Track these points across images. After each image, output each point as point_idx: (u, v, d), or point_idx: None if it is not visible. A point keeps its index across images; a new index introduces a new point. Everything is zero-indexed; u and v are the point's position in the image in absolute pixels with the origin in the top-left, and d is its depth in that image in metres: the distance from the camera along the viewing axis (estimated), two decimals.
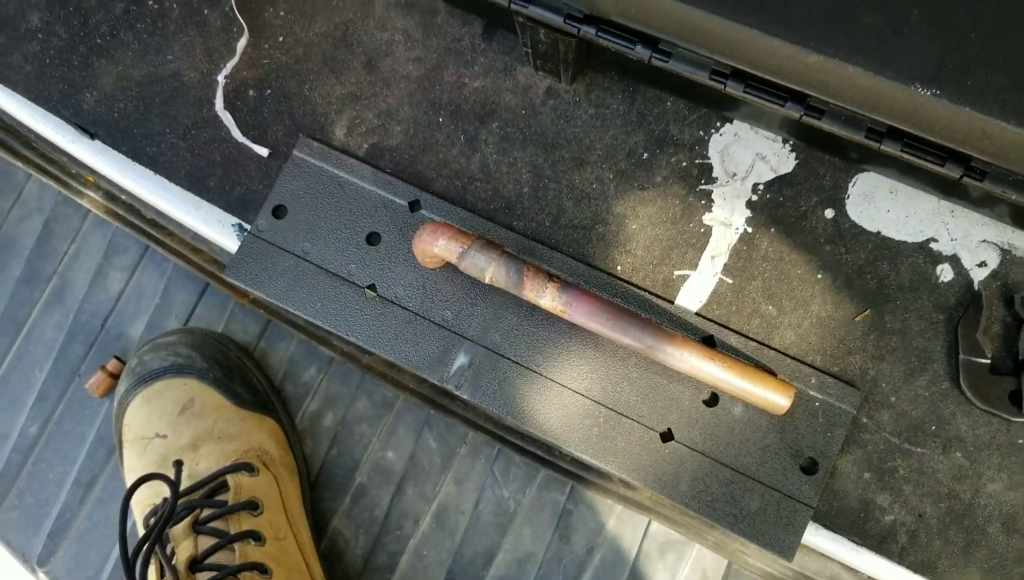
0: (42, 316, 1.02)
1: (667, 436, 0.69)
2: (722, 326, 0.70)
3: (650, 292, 0.71)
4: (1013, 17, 0.55)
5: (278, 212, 0.75)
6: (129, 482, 0.87)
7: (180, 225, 0.87)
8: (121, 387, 0.91)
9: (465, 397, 0.71)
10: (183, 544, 0.77)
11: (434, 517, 0.85)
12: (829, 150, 0.71)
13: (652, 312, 0.70)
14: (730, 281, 0.71)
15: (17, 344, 1.02)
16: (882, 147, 0.60)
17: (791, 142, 0.73)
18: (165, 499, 0.79)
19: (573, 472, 0.80)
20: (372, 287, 0.73)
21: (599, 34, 0.63)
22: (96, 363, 0.99)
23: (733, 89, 0.61)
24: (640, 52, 0.62)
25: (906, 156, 0.60)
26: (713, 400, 0.69)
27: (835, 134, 0.61)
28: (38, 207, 1.03)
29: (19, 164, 0.97)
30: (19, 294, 1.03)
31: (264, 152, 0.77)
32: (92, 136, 0.78)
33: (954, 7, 0.55)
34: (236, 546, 0.77)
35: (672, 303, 0.71)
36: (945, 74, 0.56)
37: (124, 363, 0.97)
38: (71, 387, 1.00)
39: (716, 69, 0.62)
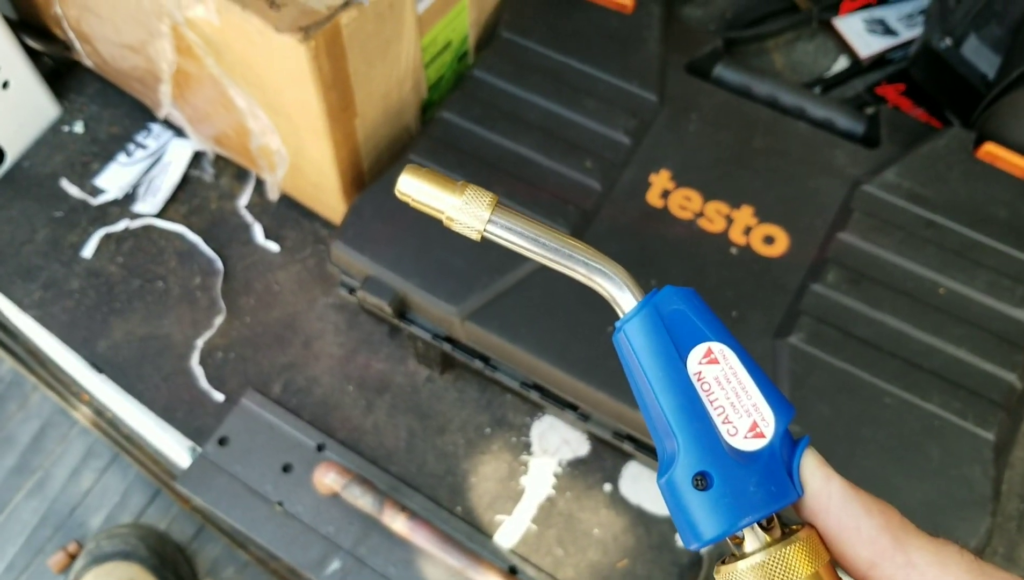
0: (24, 501, 1.28)
1: None
2: (524, 559, 0.98)
3: (477, 528, 0.99)
4: None
5: (223, 442, 1.04)
6: None
7: (147, 442, 1.15)
8: (79, 563, 1.15)
9: None
10: None
11: None
12: (607, 444, 1.02)
13: (476, 543, 0.98)
14: (535, 527, 0.99)
15: None
16: (623, 445, 0.91)
17: (587, 434, 1.04)
18: None
19: None
20: (280, 503, 1.01)
21: (453, 349, 0.96)
22: (59, 544, 1.23)
23: (534, 397, 0.93)
24: (478, 364, 0.95)
25: (639, 453, 0.91)
26: None
27: (597, 433, 0.92)
28: (38, 413, 1.31)
29: (32, 378, 1.26)
30: (9, 481, 1.29)
31: (221, 398, 1.07)
32: (100, 371, 1.08)
33: None
34: None
35: (490, 538, 0.99)
36: None
37: (82, 546, 1.21)
38: (35, 561, 1.24)
39: (524, 382, 0.94)
